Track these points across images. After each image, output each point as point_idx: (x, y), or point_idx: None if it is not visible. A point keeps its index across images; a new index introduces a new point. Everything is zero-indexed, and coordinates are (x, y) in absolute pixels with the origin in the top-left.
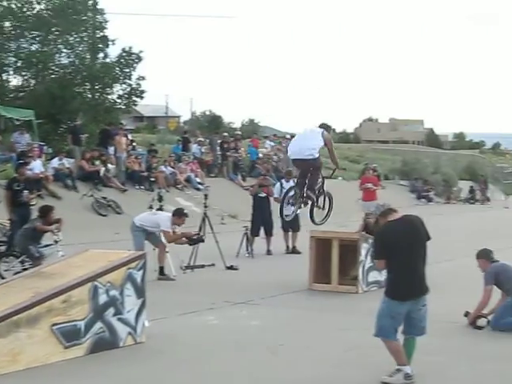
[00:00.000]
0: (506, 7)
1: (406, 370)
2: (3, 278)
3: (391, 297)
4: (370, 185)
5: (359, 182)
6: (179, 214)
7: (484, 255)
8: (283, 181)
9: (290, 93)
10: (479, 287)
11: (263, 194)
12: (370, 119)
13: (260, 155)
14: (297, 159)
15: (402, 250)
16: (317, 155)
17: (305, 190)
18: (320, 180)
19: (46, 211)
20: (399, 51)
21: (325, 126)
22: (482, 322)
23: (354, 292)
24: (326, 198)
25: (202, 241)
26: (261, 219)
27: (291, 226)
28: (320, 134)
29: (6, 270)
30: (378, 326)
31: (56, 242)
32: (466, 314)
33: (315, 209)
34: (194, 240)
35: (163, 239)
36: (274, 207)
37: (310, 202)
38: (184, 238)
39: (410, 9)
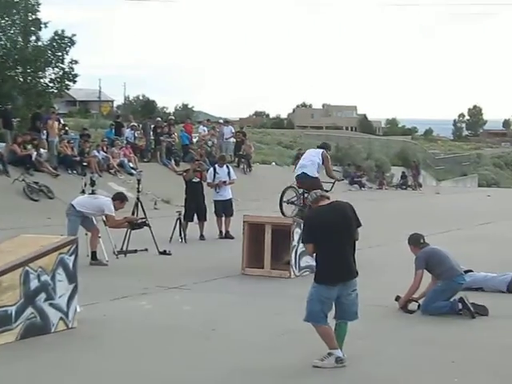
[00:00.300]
0: None
1: (338, 353)
2: None
3: (320, 281)
4: None
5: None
6: (121, 199)
7: (414, 240)
8: (217, 166)
9: (223, 78)
10: (410, 272)
11: (197, 179)
12: (304, 105)
13: (194, 140)
14: (300, 175)
15: (329, 234)
16: (316, 174)
17: (305, 195)
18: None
19: None
20: (333, 37)
21: (324, 146)
22: (412, 306)
23: (286, 277)
24: None
25: (147, 225)
26: (194, 204)
27: (224, 210)
28: (320, 153)
29: None
30: (307, 311)
31: None
32: (397, 299)
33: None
34: (139, 224)
35: (104, 223)
36: (208, 192)
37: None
38: (126, 223)
39: None
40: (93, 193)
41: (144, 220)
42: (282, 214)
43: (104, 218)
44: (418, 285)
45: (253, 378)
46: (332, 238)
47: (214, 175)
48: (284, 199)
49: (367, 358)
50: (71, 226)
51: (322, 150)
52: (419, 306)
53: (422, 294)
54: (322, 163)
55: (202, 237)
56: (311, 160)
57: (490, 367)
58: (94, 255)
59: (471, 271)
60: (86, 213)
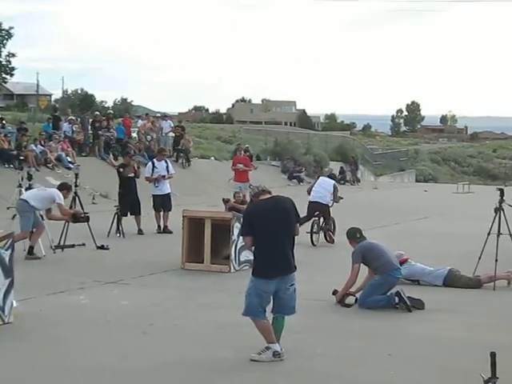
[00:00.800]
0: None
1: (275, 347)
2: None
3: (257, 275)
4: (241, 166)
5: (231, 163)
6: (67, 188)
7: (351, 234)
8: (155, 160)
9: (162, 72)
10: (348, 266)
11: (131, 174)
12: (243, 100)
13: (133, 135)
14: (316, 202)
15: (268, 228)
16: (330, 203)
17: (324, 224)
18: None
19: None
20: (272, 33)
21: (333, 177)
22: (350, 299)
23: (226, 271)
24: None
25: (88, 220)
26: (129, 199)
27: (163, 205)
28: (332, 185)
29: None
30: (245, 305)
31: None
32: (335, 293)
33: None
34: (84, 218)
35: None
36: (146, 186)
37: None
38: (70, 215)
39: None
40: (30, 187)
41: (87, 214)
42: (312, 243)
43: (44, 213)
44: (355, 278)
45: (188, 371)
46: (271, 232)
47: (153, 169)
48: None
49: (304, 351)
50: (27, 223)
51: (334, 182)
52: (356, 299)
53: (358, 287)
54: (333, 192)
55: (140, 231)
56: (328, 190)
57: (426, 360)
58: (31, 250)
59: (409, 258)
60: (39, 207)
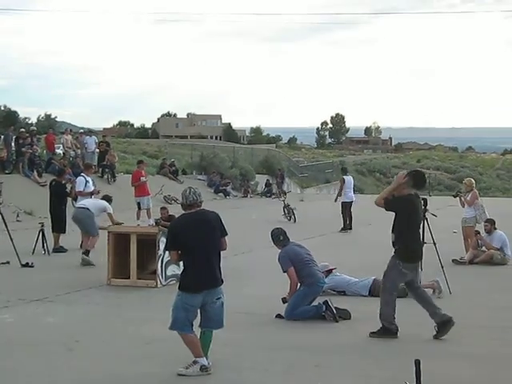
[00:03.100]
0: None
1: (202, 361)
2: None
3: (184, 289)
4: (143, 179)
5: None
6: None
7: (275, 236)
8: (84, 175)
9: (85, 88)
10: (276, 278)
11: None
12: (169, 114)
13: (59, 151)
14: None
15: (193, 242)
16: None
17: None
18: None
19: None
20: (200, 47)
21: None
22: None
23: (153, 286)
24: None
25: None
26: (64, 216)
27: None
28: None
29: None
30: (172, 319)
31: None
32: (284, 301)
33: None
34: None
35: None
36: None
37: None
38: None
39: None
40: None
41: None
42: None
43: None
44: (297, 279)
45: None
46: (196, 246)
47: (85, 183)
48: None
49: (232, 364)
50: (95, 227)
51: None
52: None
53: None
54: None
55: (62, 248)
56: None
57: (353, 370)
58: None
59: (334, 269)
60: (96, 214)
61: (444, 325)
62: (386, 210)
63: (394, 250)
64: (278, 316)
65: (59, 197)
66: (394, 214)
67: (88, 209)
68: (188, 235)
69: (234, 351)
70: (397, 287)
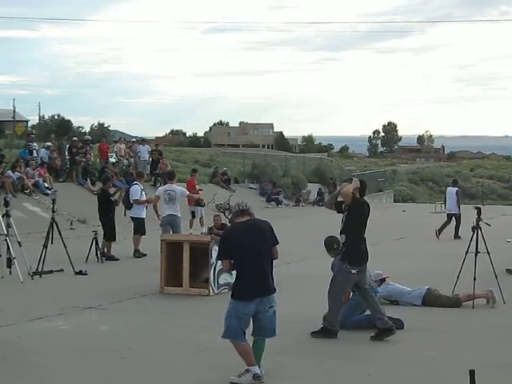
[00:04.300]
0: None
1: (255, 370)
2: None
3: (237, 297)
4: (197, 187)
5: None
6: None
7: (328, 244)
8: (138, 183)
9: (139, 97)
10: (325, 286)
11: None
12: (221, 123)
13: (112, 160)
14: (450, 213)
15: (245, 251)
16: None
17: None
18: None
19: None
20: (249, 56)
21: (456, 183)
22: None
23: (205, 294)
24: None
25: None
26: (114, 224)
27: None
28: (455, 192)
29: None
30: (225, 327)
31: None
32: None
33: None
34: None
35: None
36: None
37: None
38: None
39: None
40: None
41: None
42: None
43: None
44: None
45: None
46: (248, 254)
47: (141, 191)
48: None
49: (285, 374)
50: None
51: (456, 189)
52: None
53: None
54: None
55: (113, 257)
56: (453, 199)
57: (406, 380)
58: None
59: (387, 278)
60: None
61: (384, 331)
62: (345, 208)
63: (341, 252)
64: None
65: (104, 205)
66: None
67: (179, 217)
68: (240, 244)
69: (286, 360)
70: (344, 290)
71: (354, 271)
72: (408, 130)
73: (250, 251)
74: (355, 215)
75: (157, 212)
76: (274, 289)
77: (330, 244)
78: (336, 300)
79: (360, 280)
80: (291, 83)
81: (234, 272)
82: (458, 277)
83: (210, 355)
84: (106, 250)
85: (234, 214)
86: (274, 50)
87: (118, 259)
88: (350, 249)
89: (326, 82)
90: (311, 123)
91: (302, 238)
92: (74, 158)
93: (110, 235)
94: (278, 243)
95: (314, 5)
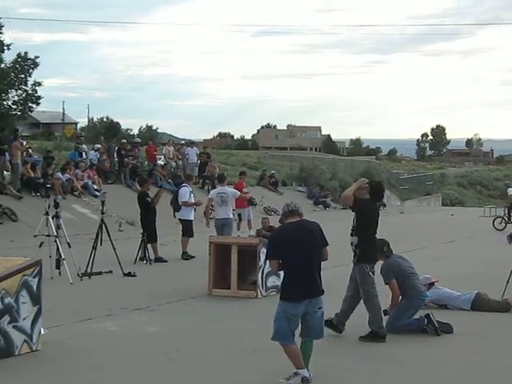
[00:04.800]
0: None
1: (304, 373)
2: None
3: (285, 298)
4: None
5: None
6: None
7: (378, 247)
8: (186, 185)
9: (187, 99)
10: (378, 289)
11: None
12: (268, 126)
13: (160, 162)
14: None
15: (294, 252)
16: None
17: None
18: None
19: None
20: (298, 58)
21: None
22: None
23: (253, 297)
24: None
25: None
26: (155, 226)
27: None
28: None
29: None
30: (274, 329)
31: None
32: (386, 312)
33: None
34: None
35: None
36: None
37: None
38: None
39: None
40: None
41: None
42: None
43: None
44: (398, 291)
45: None
46: (297, 255)
47: (190, 193)
48: None
49: (333, 377)
50: None
51: None
52: None
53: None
54: None
55: (161, 258)
56: None
57: None
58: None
59: (436, 282)
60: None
61: (375, 335)
62: (352, 209)
63: (355, 255)
64: (385, 311)
65: (142, 207)
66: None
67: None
68: (289, 244)
69: (334, 363)
70: (375, 289)
71: (371, 271)
72: (456, 134)
73: (298, 252)
74: (361, 216)
75: (206, 216)
76: (323, 291)
77: (380, 247)
78: (373, 303)
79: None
80: (339, 86)
81: (282, 273)
82: (507, 281)
83: (258, 358)
84: (153, 252)
85: (284, 214)
86: (321, 52)
87: (166, 261)
88: (365, 249)
89: (374, 85)
90: (359, 126)
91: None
92: (123, 159)
93: (150, 237)
94: (327, 244)
95: (362, 7)
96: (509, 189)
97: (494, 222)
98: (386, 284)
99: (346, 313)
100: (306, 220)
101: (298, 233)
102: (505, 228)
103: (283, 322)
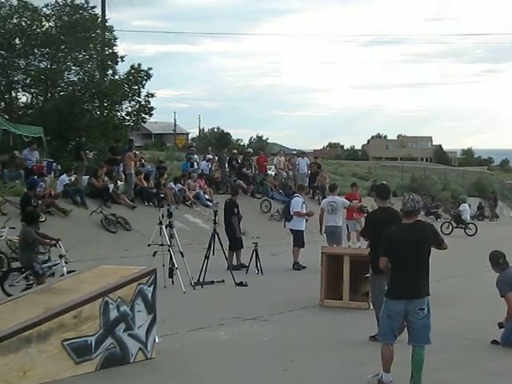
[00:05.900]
0: None
1: (385, 377)
2: (7, 294)
3: (388, 295)
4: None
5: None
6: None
7: (494, 259)
8: (299, 195)
9: (296, 109)
10: (490, 303)
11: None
12: (379, 136)
13: (271, 172)
14: None
15: (405, 253)
16: None
17: None
18: None
19: (34, 216)
20: (407, 69)
21: None
22: None
23: (365, 308)
24: None
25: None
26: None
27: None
28: None
29: (10, 286)
30: (379, 327)
31: (61, 256)
32: (501, 326)
33: None
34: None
35: None
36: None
37: None
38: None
39: None
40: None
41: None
42: None
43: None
44: None
45: None
46: (407, 256)
47: (302, 204)
48: None
49: None
50: None
51: None
52: None
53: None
54: None
55: (243, 265)
56: None
57: None
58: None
59: None
60: None
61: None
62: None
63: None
64: (494, 342)
65: (228, 215)
66: None
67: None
68: (402, 245)
69: (447, 376)
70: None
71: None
72: None
73: (409, 253)
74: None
75: (321, 225)
76: (428, 292)
77: (495, 259)
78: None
79: None
80: (450, 95)
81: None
82: None
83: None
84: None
85: (406, 211)
86: (432, 62)
87: (246, 266)
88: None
89: (487, 94)
90: (471, 136)
91: (463, 252)
92: (238, 170)
93: (232, 244)
94: (442, 240)
95: (472, 16)
96: None
97: None
98: (501, 297)
99: None
100: (421, 221)
101: (411, 235)
102: None
103: (385, 320)
